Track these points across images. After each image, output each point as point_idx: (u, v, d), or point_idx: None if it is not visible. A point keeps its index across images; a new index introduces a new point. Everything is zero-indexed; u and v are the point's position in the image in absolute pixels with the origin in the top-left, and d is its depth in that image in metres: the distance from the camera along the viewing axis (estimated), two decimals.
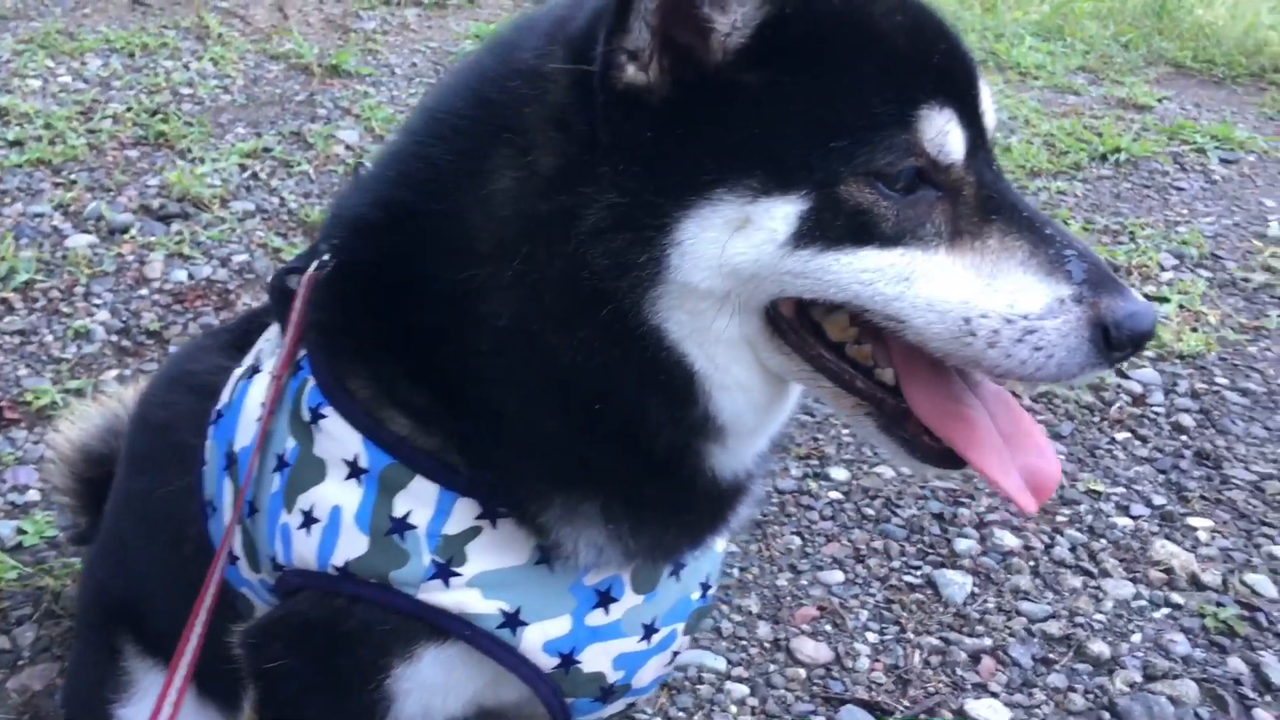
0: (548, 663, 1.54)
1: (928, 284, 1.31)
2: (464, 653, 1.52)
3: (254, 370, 1.71)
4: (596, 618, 1.56)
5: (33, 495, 3.01)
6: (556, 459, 1.47)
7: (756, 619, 2.87)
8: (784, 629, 2.84)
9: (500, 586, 1.50)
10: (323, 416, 1.53)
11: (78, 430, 2.46)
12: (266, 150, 5.03)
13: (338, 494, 1.51)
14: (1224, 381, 4.00)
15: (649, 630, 1.63)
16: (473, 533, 1.49)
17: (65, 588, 2.68)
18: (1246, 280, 4.76)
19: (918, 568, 3.07)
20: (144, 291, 3.94)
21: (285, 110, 5.54)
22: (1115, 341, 1.30)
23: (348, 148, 5.17)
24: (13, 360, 3.54)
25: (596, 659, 1.57)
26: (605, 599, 1.57)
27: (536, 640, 1.52)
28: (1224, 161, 6.11)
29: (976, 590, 3.00)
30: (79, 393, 3.39)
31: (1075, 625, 2.90)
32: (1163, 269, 4.80)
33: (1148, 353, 4.12)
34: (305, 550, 1.52)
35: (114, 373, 3.52)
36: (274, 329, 1.71)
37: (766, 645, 2.80)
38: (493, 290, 1.41)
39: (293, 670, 1.59)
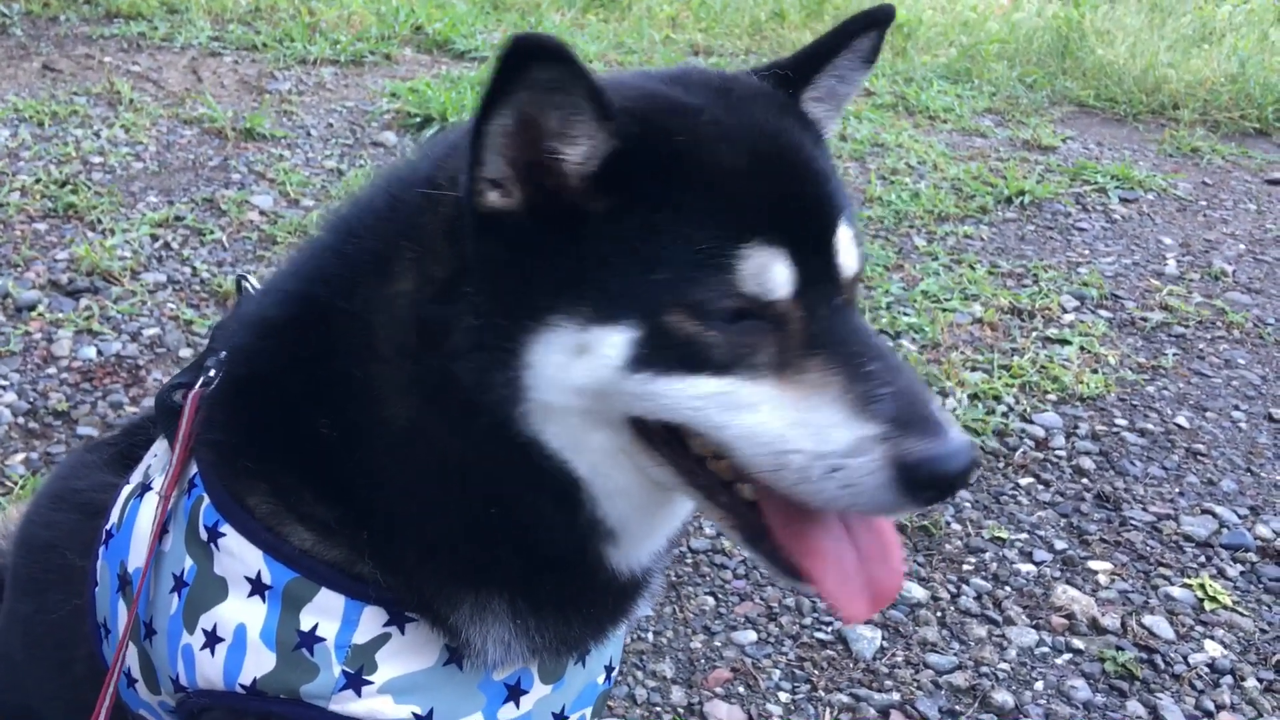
0: None
1: (751, 414, 1.33)
2: None
3: (144, 488, 1.70)
4: (508, 712, 1.59)
5: None
6: (462, 560, 1.50)
7: (670, 684, 2.91)
8: (697, 692, 2.88)
9: (411, 690, 1.51)
10: (221, 535, 1.54)
11: None
12: (179, 219, 5.01)
13: (241, 612, 1.52)
14: (1123, 422, 4.13)
15: (559, 718, 1.66)
16: (382, 640, 1.51)
17: None
18: (1145, 319, 4.92)
19: (829, 624, 3.13)
20: (52, 370, 3.90)
21: (199, 176, 5.53)
22: (916, 483, 1.29)
23: (262, 213, 5.17)
24: None
25: None
26: (515, 692, 1.60)
27: None
28: (1124, 200, 6.32)
29: (885, 644, 3.06)
30: None
31: (980, 675, 2.97)
32: (1064, 311, 4.94)
33: (1049, 395, 4.25)
34: (210, 670, 1.53)
35: (20, 456, 3.48)
36: (161, 444, 1.72)
37: (680, 710, 2.83)
38: (391, 392, 1.45)
39: None
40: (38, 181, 5.23)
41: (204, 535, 1.56)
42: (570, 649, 1.62)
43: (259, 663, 1.50)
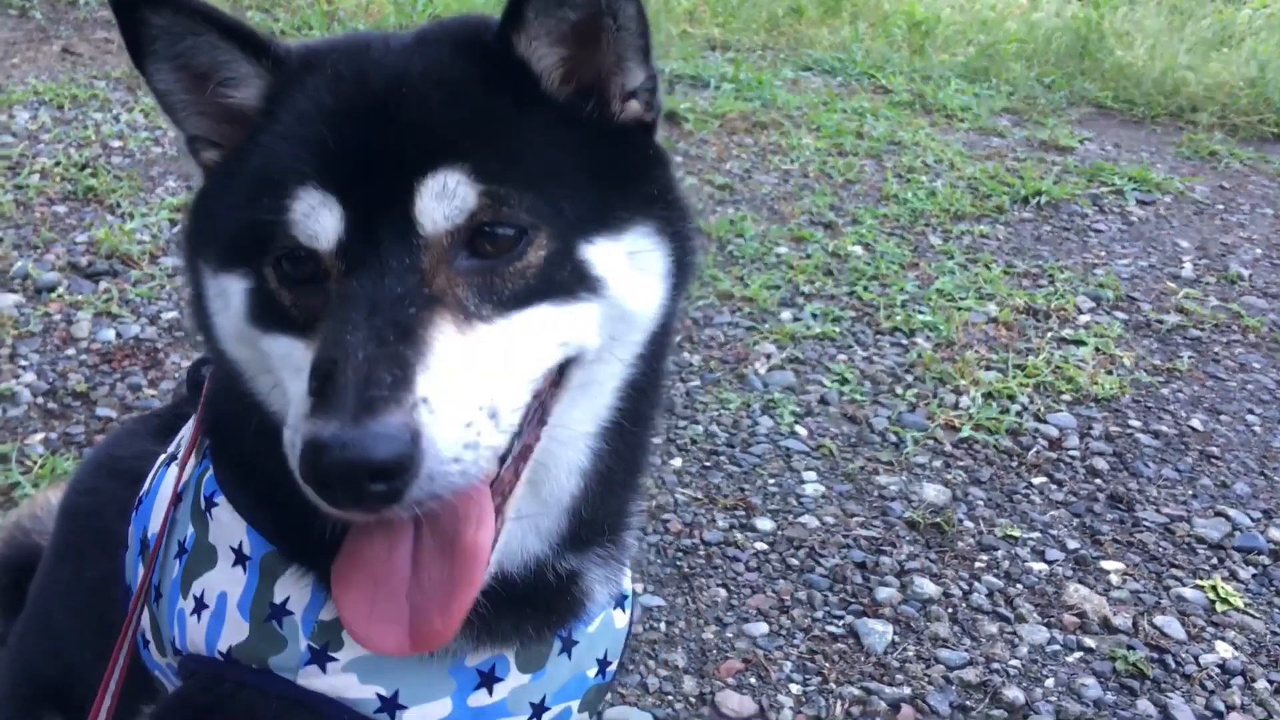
0: None
1: (298, 379, 1.23)
2: None
3: (173, 457, 1.75)
4: (479, 698, 1.56)
5: None
6: (308, 539, 1.45)
7: (682, 673, 2.92)
8: (709, 682, 2.89)
9: (377, 671, 1.51)
10: (215, 505, 1.57)
11: None
12: None
13: (225, 580, 1.54)
14: (1137, 424, 4.13)
15: (538, 709, 1.63)
16: None
17: None
18: (1160, 322, 4.91)
19: (840, 617, 3.14)
20: (71, 352, 3.93)
21: None
22: (309, 471, 1.12)
23: None
24: None
25: None
26: (489, 679, 1.57)
27: None
28: (1141, 203, 6.31)
29: (897, 639, 3.07)
30: (3, 458, 3.37)
31: (991, 671, 2.98)
32: (1080, 312, 4.94)
33: (1064, 396, 4.25)
34: (196, 635, 1.56)
35: (40, 436, 3.51)
36: (194, 417, 1.75)
37: (692, 699, 2.84)
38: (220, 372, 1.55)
39: None
40: (57, 164, 5.26)
41: (203, 504, 1.60)
42: (501, 643, 1.57)
43: (235, 631, 1.52)
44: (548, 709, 1.65)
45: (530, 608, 1.56)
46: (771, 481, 3.68)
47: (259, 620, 1.51)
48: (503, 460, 1.28)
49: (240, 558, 1.54)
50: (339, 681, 1.50)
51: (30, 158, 5.30)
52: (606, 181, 1.38)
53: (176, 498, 1.65)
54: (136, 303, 4.24)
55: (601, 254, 1.35)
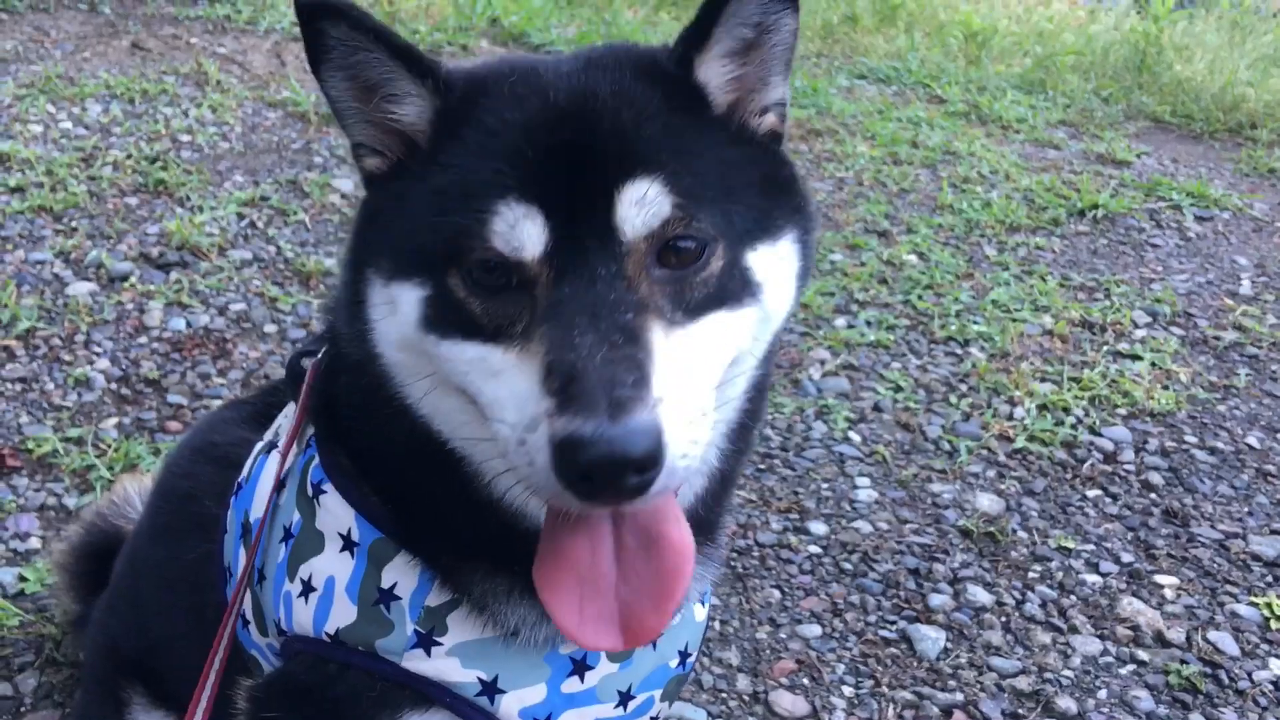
0: None
1: (495, 381, 1.30)
2: (446, 718, 1.61)
3: (272, 445, 1.82)
4: (572, 685, 1.63)
5: (34, 543, 3.09)
6: (453, 540, 1.57)
7: (736, 671, 2.96)
8: (763, 682, 2.93)
9: (478, 656, 1.58)
10: (323, 492, 1.64)
11: (72, 540, 2.68)
12: (264, 199, 5.14)
13: (333, 565, 1.61)
14: (1193, 440, 4.12)
15: (625, 697, 1.69)
16: (453, 604, 1.58)
17: (66, 635, 2.76)
18: (1218, 339, 4.89)
19: (893, 622, 3.17)
20: (143, 340, 4.03)
21: (282, 158, 5.66)
22: (565, 467, 1.18)
23: (343, 196, 5.29)
24: (14, 407, 3.62)
25: None
26: (581, 667, 1.64)
27: (513, 707, 1.60)
28: (1199, 219, 6.27)
29: (950, 645, 3.10)
30: (79, 441, 3.48)
31: (1044, 681, 2.99)
32: (1136, 326, 4.93)
33: (1119, 410, 4.25)
34: (303, 617, 1.62)
35: (113, 420, 3.61)
36: (291, 406, 1.82)
37: (745, 698, 2.89)
38: (352, 369, 1.58)
39: None
40: (129, 157, 5.39)
41: (310, 491, 1.66)
42: None
43: (343, 614, 1.59)
44: (633, 697, 1.71)
45: None
46: (825, 486, 3.71)
47: (367, 604, 1.58)
48: None
49: (348, 544, 1.61)
50: (443, 665, 1.57)
51: (103, 150, 5.44)
52: (764, 191, 1.46)
53: (279, 484, 1.71)
54: (206, 294, 4.35)
55: (762, 260, 1.42)
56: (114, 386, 3.78)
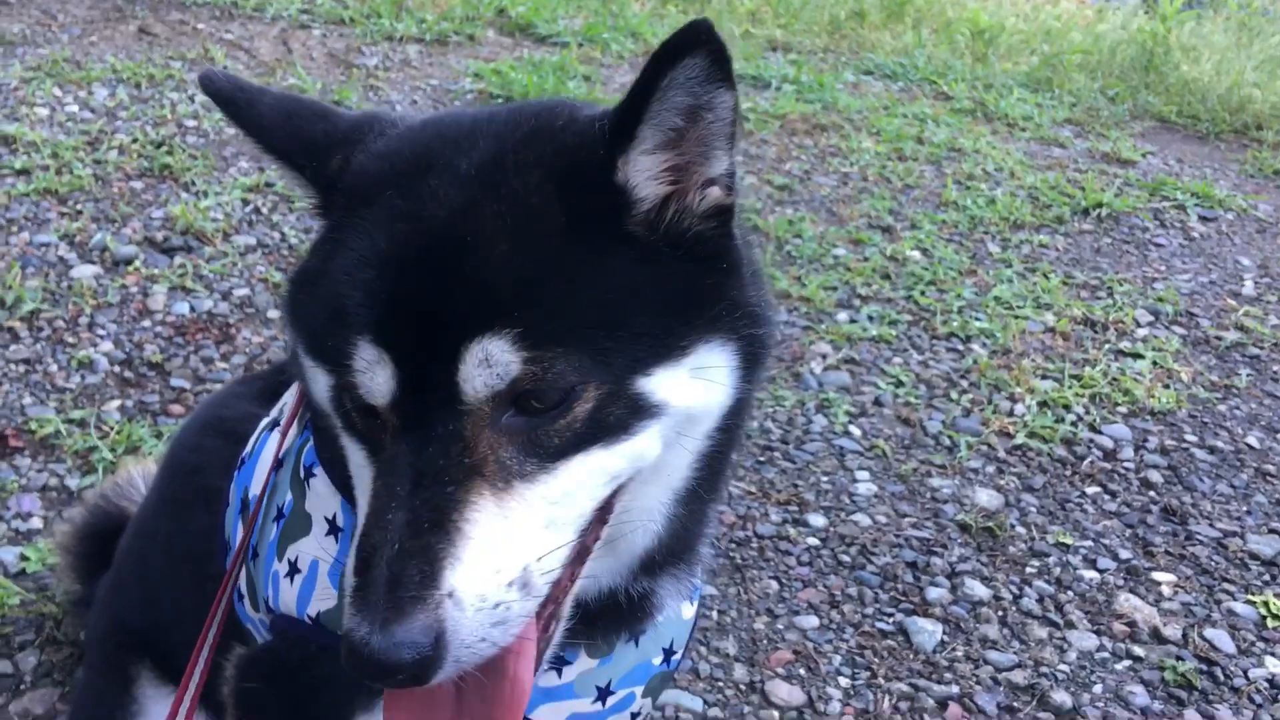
0: None
1: (362, 496, 1.38)
2: None
3: (276, 423, 1.83)
4: (549, 679, 1.63)
5: (35, 523, 3.10)
6: None
7: (733, 661, 2.97)
8: (759, 671, 2.95)
9: None
10: (313, 475, 1.65)
11: (75, 521, 2.71)
12: (269, 185, 5.15)
13: (318, 548, 1.62)
14: (1193, 439, 4.13)
15: (604, 693, 1.69)
16: None
17: (67, 615, 2.77)
18: (1219, 338, 4.90)
19: (890, 615, 3.18)
20: (146, 323, 4.04)
21: None
22: (351, 655, 1.21)
23: None
24: (17, 388, 3.64)
25: (548, 718, 1.65)
26: (558, 662, 1.63)
27: None
28: (1203, 219, 6.27)
29: (946, 638, 3.11)
30: (81, 423, 3.49)
31: (1040, 675, 3.01)
32: (1138, 325, 4.93)
33: (1120, 408, 4.26)
34: (289, 597, 1.64)
35: (116, 403, 3.62)
36: (296, 385, 1.83)
37: (742, 687, 2.90)
38: None
39: (268, 702, 1.70)
40: (135, 141, 5.39)
41: (302, 474, 1.67)
42: (598, 640, 1.65)
43: (324, 598, 1.60)
44: (613, 693, 1.70)
45: (601, 620, 1.62)
46: (825, 479, 3.72)
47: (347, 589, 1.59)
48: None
49: (333, 528, 1.62)
50: None
51: (109, 134, 5.44)
52: (672, 310, 1.34)
53: (277, 463, 1.72)
54: (210, 278, 4.36)
55: (661, 383, 1.33)
56: (117, 369, 3.79)
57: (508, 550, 1.25)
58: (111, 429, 3.48)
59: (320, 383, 1.39)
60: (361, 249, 1.31)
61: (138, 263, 4.37)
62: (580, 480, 1.31)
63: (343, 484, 1.58)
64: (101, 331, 3.97)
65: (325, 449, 1.62)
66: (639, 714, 1.81)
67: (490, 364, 1.25)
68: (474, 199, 1.31)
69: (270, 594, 1.68)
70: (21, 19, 6.93)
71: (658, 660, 1.79)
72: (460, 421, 1.27)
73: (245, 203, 4.97)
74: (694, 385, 1.37)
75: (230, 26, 7.39)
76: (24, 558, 2.96)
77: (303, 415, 1.75)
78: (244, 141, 1.45)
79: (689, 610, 1.85)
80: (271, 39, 7.26)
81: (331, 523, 1.62)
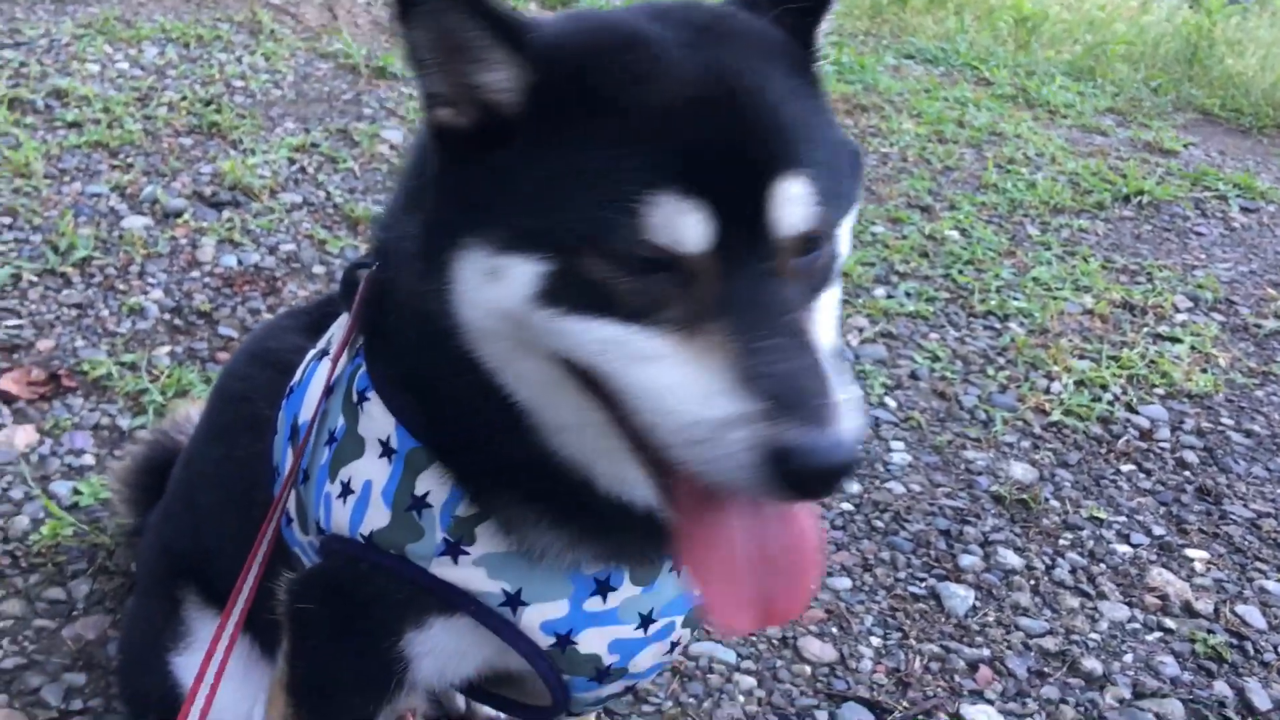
0: (544, 641, 1.65)
1: (645, 366, 1.28)
2: (470, 625, 1.65)
3: (324, 353, 1.87)
4: (594, 604, 1.66)
5: (88, 459, 3.17)
6: (488, 464, 1.58)
7: None
8: (792, 628, 2.98)
9: (504, 568, 1.61)
10: (366, 400, 1.68)
11: (135, 455, 2.77)
12: (314, 145, 5.21)
13: (371, 470, 1.65)
14: (1229, 422, 4.13)
15: (646, 620, 1.72)
16: (482, 516, 1.61)
17: (118, 546, 2.84)
18: (1259, 326, 4.89)
19: (922, 579, 3.21)
20: (195, 274, 4.11)
21: (333, 108, 5.72)
22: (782, 471, 1.19)
23: (392, 147, 5.35)
24: (70, 331, 3.71)
25: (592, 642, 1.68)
26: (604, 587, 1.66)
27: (534, 620, 1.63)
28: (1245, 210, 6.24)
29: (978, 604, 3.14)
30: (133, 366, 3.56)
31: (1071, 642, 3.03)
32: (1177, 310, 4.93)
33: (1157, 389, 4.26)
34: (341, 518, 1.67)
35: (166, 349, 3.69)
36: (344, 317, 1.87)
37: (775, 642, 2.94)
38: (400, 302, 1.59)
39: (321, 621, 1.74)
40: (183, 99, 5.46)
41: (355, 398, 1.70)
42: (632, 562, 1.66)
43: (377, 518, 1.63)
44: (654, 620, 1.73)
45: (645, 536, 1.62)
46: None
47: (400, 509, 1.61)
48: None
49: (387, 450, 1.64)
50: (469, 574, 1.60)
51: (158, 90, 5.51)
52: (845, 159, 1.46)
53: (328, 390, 1.77)
54: (257, 233, 4.42)
55: (844, 233, 1.46)
56: (167, 316, 3.86)
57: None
58: (162, 373, 3.54)
59: (520, 277, 1.31)
60: (619, 107, 1.30)
61: (187, 215, 4.44)
62: (827, 319, 1.40)
63: (423, 397, 1.60)
64: (152, 280, 4.04)
65: (412, 363, 1.61)
66: (677, 644, 1.84)
67: (798, 201, 1.30)
68: (715, 59, 1.35)
69: (322, 515, 1.72)
70: None
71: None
72: (776, 260, 1.30)
73: (291, 162, 5.02)
74: (848, 242, 1.50)
75: None
76: (77, 491, 3.03)
77: (353, 342, 1.79)
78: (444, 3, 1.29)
79: None
80: (318, 5, 7.31)
81: (385, 444, 1.65)
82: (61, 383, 3.45)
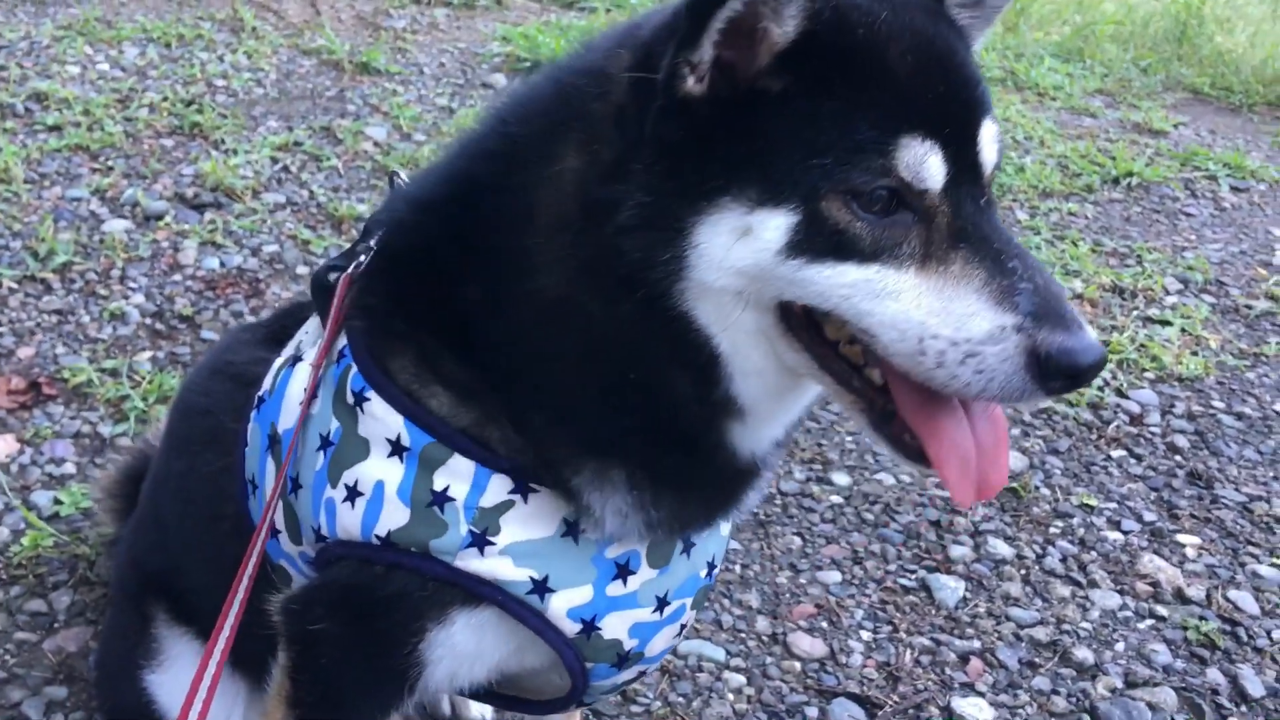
0: (571, 628, 1.67)
1: (894, 302, 1.43)
2: (494, 618, 1.65)
3: (295, 360, 1.84)
4: (616, 588, 1.69)
5: (69, 468, 3.15)
6: (590, 426, 1.60)
7: (756, 613, 2.99)
8: (782, 624, 2.97)
9: (530, 556, 1.63)
10: (366, 400, 1.66)
11: (119, 464, 2.76)
12: (297, 144, 5.17)
13: (381, 470, 1.64)
14: (1220, 405, 4.11)
15: (662, 603, 1.76)
16: (506, 506, 1.62)
17: (99, 556, 2.82)
18: (1249, 307, 4.86)
19: (913, 571, 3.19)
20: (177, 277, 4.08)
21: (316, 105, 5.68)
22: (1048, 372, 1.39)
23: (376, 144, 5.31)
24: (50, 338, 3.68)
25: (615, 627, 1.71)
26: (624, 571, 1.70)
27: (561, 607, 1.65)
28: (1235, 189, 6.21)
29: (968, 595, 3.12)
30: (114, 372, 3.53)
31: (1062, 632, 3.01)
32: (1167, 293, 4.90)
33: (1147, 374, 4.24)
34: (349, 521, 1.66)
35: (148, 354, 3.67)
36: (313, 321, 1.84)
37: (764, 638, 2.92)
38: (546, 262, 1.56)
39: (331, 634, 1.72)
40: (165, 99, 5.42)
41: (350, 400, 1.68)
42: (682, 529, 1.72)
43: (394, 517, 1.62)
44: (668, 603, 1.77)
45: (727, 491, 1.73)
46: (849, 439, 3.72)
47: (420, 505, 1.61)
48: None
49: (397, 449, 1.63)
50: (495, 564, 1.61)
51: (139, 92, 5.47)
52: None
53: (311, 395, 1.74)
54: (239, 234, 4.39)
55: None
56: (148, 321, 3.83)
57: None
58: (143, 379, 3.52)
59: (771, 230, 1.42)
60: (879, 61, 1.45)
61: (168, 218, 4.41)
62: None
63: (512, 372, 1.61)
64: (133, 284, 4.01)
65: (506, 336, 1.61)
66: (685, 625, 1.88)
67: (996, 140, 1.52)
68: (923, 23, 1.53)
69: (324, 522, 1.70)
70: None
71: (703, 573, 1.86)
72: (986, 192, 1.51)
73: (274, 161, 4.99)
74: None
75: None
76: (58, 501, 3.01)
77: (333, 347, 1.76)
78: None
79: (726, 527, 1.92)
80: (300, 1, 7.26)
81: (395, 444, 1.64)
82: (42, 390, 3.43)
